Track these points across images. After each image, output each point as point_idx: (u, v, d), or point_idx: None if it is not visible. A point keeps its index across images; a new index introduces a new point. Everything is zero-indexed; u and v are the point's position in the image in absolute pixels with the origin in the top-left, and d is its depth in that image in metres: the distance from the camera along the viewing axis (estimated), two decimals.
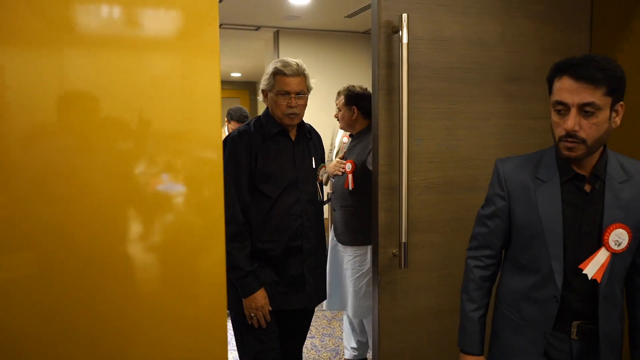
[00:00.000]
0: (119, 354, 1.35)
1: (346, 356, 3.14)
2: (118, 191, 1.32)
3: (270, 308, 2.04)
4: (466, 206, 2.14)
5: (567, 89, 1.31)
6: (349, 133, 2.97)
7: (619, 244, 1.38)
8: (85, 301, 1.31)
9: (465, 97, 2.10)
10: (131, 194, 1.33)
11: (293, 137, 2.13)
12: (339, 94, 2.88)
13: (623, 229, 1.38)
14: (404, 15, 1.88)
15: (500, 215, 1.55)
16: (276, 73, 2.05)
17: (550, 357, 1.48)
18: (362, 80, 6.39)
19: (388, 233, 2.04)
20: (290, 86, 2.02)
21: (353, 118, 2.80)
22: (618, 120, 1.37)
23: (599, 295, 1.41)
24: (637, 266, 1.46)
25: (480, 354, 1.60)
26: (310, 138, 2.21)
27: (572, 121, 1.30)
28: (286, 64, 2.04)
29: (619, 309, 1.47)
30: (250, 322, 2.03)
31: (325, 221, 2.36)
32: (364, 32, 6.37)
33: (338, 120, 2.94)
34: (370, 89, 2.85)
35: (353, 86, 2.85)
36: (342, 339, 3.55)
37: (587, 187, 1.42)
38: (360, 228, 2.73)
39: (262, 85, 2.11)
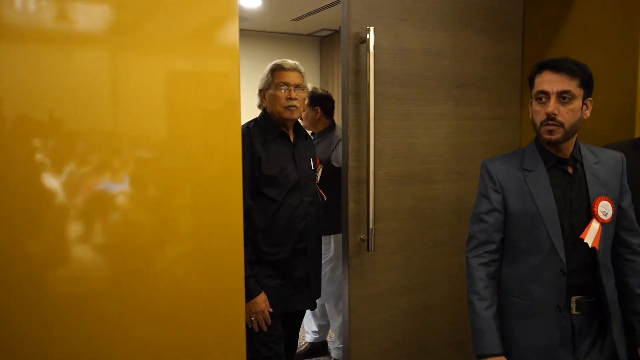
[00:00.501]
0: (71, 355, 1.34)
1: (307, 339, 3.35)
2: (49, 191, 1.29)
3: (272, 310, 2.05)
4: (422, 196, 2.43)
5: (547, 80, 1.54)
6: (311, 132, 3.19)
7: (606, 214, 1.57)
8: (21, 304, 1.29)
9: (421, 101, 2.38)
10: (64, 194, 1.30)
11: (292, 139, 2.17)
12: None
13: (607, 201, 1.58)
14: (371, 28, 2.12)
15: (498, 208, 1.66)
16: (274, 69, 2.11)
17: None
18: (309, 80, 6.61)
19: (357, 221, 2.27)
20: (289, 78, 2.09)
21: (316, 118, 3.03)
22: (588, 112, 1.59)
23: (598, 264, 1.57)
24: (620, 238, 1.63)
25: (502, 353, 1.59)
26: (306, 139, 2.27)
27: (552, 106, 1.52)
28: (283, 61, 2.12)
29: (614, 279, 1.61)
30: (250, 326, 2.04)
31: None
32: (308, 35, 6.61)
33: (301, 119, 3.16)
34: (328, 91, 3.10)
35: (315, 88, 3.07)
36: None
37: (570, 170, 1.62)
38: (324, 219, 2.94)
39: (260, 85, 2.16)
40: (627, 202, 1.64)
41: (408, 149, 2.37)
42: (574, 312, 1.58)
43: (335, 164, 2.86)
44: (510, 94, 2.67)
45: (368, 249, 2.21)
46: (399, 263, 2.40)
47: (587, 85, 1.55)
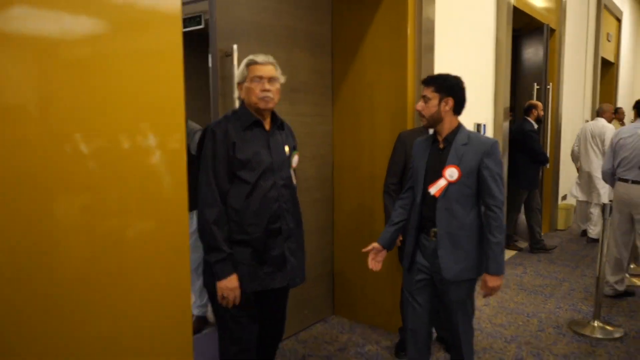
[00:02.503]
0: None
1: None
2: None
3: (239, 291, 2.17)
4: None
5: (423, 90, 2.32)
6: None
7: (452, 177, 2.22)
8: None
9: None
10: None
11: (267, 128, 2.30)
12: None
13: (455, 168, 2.23)
14: (235, 46, 2.79)
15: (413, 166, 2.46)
16: (249, 64, 2.24)
17: (423, 253, 2.35)
18: None
19: None
20: (262, 71, 2.21)
21: None
22: (447, 108, 2.25)
23: (437, 207, 2.26)
24: (482, 199, 2.26)
25: (382, 245, 2.45)
26: (283, 130, 2.39)
27: (418, 104, 2.33)
28: (257, 55, 2.26)
29: (461, 222, 2.24)
30: (222, 303, 2.17)
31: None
32: None
33: None
34: None
35: None
36: None
37: (442, 146, 2.30)
38: (189, 197, 3.45)
39: (237, 78, 2.31)
40: (484, 175, 2.21)
41: None
42: (431, 238, 2.32)
43: (192, 152, 3.40)
44: (325, 96, 3.61)
45: None
46: None
47: (442, 90, 2.25)
